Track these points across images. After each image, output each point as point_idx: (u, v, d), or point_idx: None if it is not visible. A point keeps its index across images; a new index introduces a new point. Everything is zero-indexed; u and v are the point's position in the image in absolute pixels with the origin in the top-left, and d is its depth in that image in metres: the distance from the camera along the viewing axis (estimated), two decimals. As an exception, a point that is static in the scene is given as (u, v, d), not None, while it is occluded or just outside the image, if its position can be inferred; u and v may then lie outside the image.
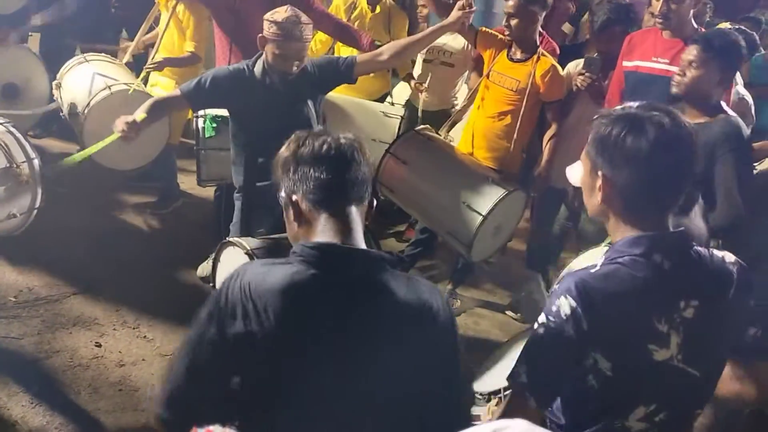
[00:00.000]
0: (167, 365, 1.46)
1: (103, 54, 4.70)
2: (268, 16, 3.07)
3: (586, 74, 3.75)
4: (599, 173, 1.50)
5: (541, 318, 1.49)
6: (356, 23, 4.72)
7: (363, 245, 1.49)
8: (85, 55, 4.61)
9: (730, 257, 1.57)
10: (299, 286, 1.39)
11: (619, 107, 1.53)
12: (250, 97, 3.16)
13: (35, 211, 3.61)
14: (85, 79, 4.28)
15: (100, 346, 3.37)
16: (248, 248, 2.87)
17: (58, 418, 2.91)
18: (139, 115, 3.12)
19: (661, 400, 1.51)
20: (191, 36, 4.43)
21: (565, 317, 1.43)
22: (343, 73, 3.27)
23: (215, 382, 1.44)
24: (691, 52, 2.82)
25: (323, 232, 1.48)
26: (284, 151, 1.54)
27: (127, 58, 4.75)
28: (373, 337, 1.41)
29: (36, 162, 3.60)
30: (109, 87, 4.11)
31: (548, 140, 3.86)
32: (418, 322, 1.44)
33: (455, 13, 3.41)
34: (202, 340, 1.43)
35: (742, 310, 1.55)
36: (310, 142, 1.52)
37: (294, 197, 1.51)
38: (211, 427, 1.01)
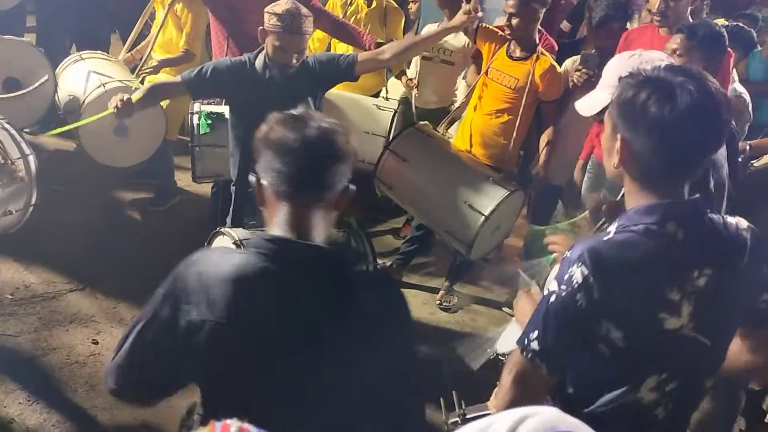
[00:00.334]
0: (120, 337, 1.52)
1: (99, 51, 4.69)
2: (268, 8, 3.06)
3: (583, 70, 3.75)
4: (618, 135, 1.46)
5: (552, 285, 1.47)
6: (352, 19, 4.72)
7: (319, 241, 1.46)
8: (80, 53, 4.60)
9: (743, 223, 1.55)
10: (249, 278, 1.40)
11: (648, 67, 1.48)
12: (250, 90, 3.16)
13: (31, 208, 3.60)
14: (81, 77, 4.27)
15: (97, 343, 3.37)
16: (236, 238, 2.90)
17: (54, 416, 2.91)
18: (136, 95, 3.14)
19: (672, 369, 1.50)
20: (187, 33, 4.42)
21: (576, 285, 1.41)
22: (344, 70, 3.26)
23: (160, 361, 1.46)
24: (675, 41, 2.86)
25: (281, 224, 1.46)
26: (259, 131, 1.50)
27: (121, 57, 4.73)
28: (320, 330, 1.41)
29: (31, 158, 3.59)
30: (104, 85, 4.10)
31: (545, 138, 3.86)
32: (370, 314, 1.44)
33: (460, 17, 3.37)
34: (154, 319, 1.45)
35: (756, 277, 1.53)
36: (280, 127, 1.46)
37: (261, 181, 1.49)
38: (228, 421, 1.02)
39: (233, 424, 1.01)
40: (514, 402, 1.49)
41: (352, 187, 1.50)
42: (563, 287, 1.44)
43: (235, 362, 1.43)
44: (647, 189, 1.47)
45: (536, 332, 1.48)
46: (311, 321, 1.40)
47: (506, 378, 1.55)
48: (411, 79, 4.50)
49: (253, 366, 1.42)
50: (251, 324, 1.40)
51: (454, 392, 2.15)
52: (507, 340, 2.93)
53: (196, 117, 3.81)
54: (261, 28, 3.10)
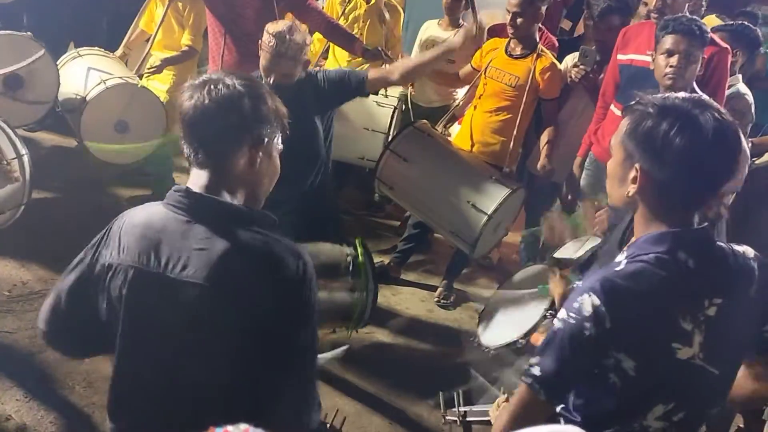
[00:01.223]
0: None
1: (96, 48, 4.68)
2: (268, 26, 3.03)
3: (581, 66, 3.75)
4: (636, 165, 1.45)
5: (562, 313, 1.47)
6: (351, 15, 4.72)
7: (223, 197, 1.50)
8: (78, 50, 4.59)
9: (750, 252, 1.55)
10: (151, 223, 1.51)
11: (658, 96, 1.48)
12: None
13: (22, 208, 3.59)
14: (80, 74, 4.25)
15: (94, 340, 3.36)
16: None
17: (52, 413, 2.90)
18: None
19: (681, 398, 1.50)
20: (190, 29, 4.42)
21: (587, 314, 1.41)
22: (355, 88, 3.23)
23: (79, 304, 1.58)
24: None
25: (192, 177, 1.54)
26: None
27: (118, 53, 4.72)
28: (208, 282, 1.44)
29: (26, 158, 3.57)
30: (104, 81, 4.08)
31: (546, 136, 3.85)
32: (257, 275, 1.46)
33: (465, 38, 3.26)
34: (80, 262, 1.59)
35: (763, 306, 1.54)
36: (188, 94, 1.51)
37: None
38: (229, 428, 1.02)
39: (235, 430, 1.01)
40: (508, 424, 1.49)
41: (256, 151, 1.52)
42: (572, 315, 1.43)
43: (126, 308, 1.50)
44: (660, 217, 1.47)
45: (538, 358, 1.48)
46: (191, 271, 1.45)
47: (507, 408, 1.56)
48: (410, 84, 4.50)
49: (140, 312, 1.50)
50: (141, 267, 1.49)
51: (458, 391, 2.15)
52: (492, 333, 2.97)
53: None
54: (259, 41, 3.06)
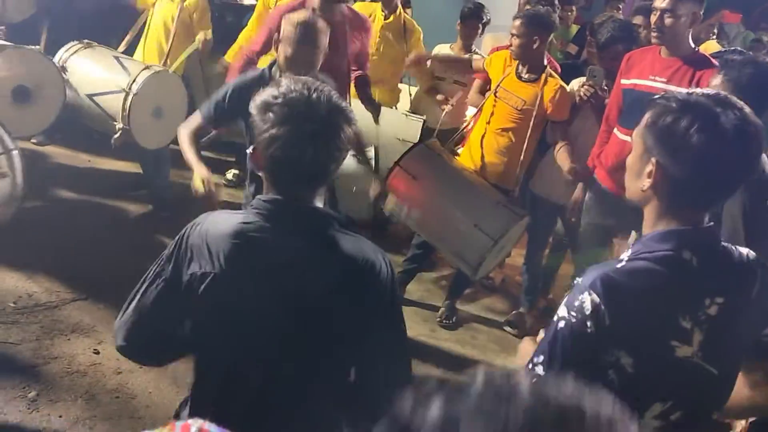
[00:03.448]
0: (129, 297, 1.63)
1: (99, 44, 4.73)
2: (286, 16, 3.01)
3: (589, 83, 3.78)
4: (653, 159, 1.45)
5: (562, 311, 1.46)
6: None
7: (316, 204, 1.58)
8: (84, 41, 4.57)
9: (752, 254, 1.54)
10: (247, 234, 1.52)
11: (683, 91, 1.47)
12: None
13: (16, 204, 3.58)
14: (111, 62, 4.33)
15: (98, 353, 3.37)
16: None
17: (54, 425, 2.91)
18: (192, 158, 2.89)
19: (678, 397, 1.49)
20: (207, 23, 4.74)
21: (587, 312, 1.40)
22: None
23: (163, 318, 1.58)
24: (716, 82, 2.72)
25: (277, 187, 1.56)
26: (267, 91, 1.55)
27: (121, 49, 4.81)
28: (313, 285, 1.51)
29: (15, 153, 3.57)
30: (148, 67, 4.19)
31: (558, 147, 3.88)
32: (359, 276, 1.55)
33: None
34: (158, 277, 1.58)
35: (764, 309, 1.53)
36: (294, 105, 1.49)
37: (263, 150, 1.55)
38: (189, 421, 1.04)
39: (194, 423, 1.02)
40: None
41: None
42: (573, 314, 1.43)
43: (229, 314, 1.53)
44: (670, 214, 1.46)
45: (542, 357, 1.47)
46: (296, 278, 1.51)
47: None
48: (447, 98, 4.55)
49: (243, 318, 1.52)
50: (246, 276, 1.51)
51: None
52: None
53: None
54: (276, 36, 3.02)
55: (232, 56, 4.53)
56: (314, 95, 1.50)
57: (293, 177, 1.54)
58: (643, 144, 1.48)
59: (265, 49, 3.75)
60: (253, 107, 1.54)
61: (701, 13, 3.31)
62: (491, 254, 3.58)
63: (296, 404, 1.57)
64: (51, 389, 3.10)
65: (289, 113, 1.49)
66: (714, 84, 2.60)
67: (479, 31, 4.69)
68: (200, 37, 4.68)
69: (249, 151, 1.57)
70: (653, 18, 3.32)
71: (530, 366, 1.49)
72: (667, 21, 3.24)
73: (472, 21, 4.66)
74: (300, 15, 3.02)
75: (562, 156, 3.83)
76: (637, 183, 1.50)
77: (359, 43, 4.01)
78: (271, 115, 1.49)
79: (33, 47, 4.31)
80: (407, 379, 1.67)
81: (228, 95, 3.00)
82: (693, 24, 3.30)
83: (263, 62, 3.83)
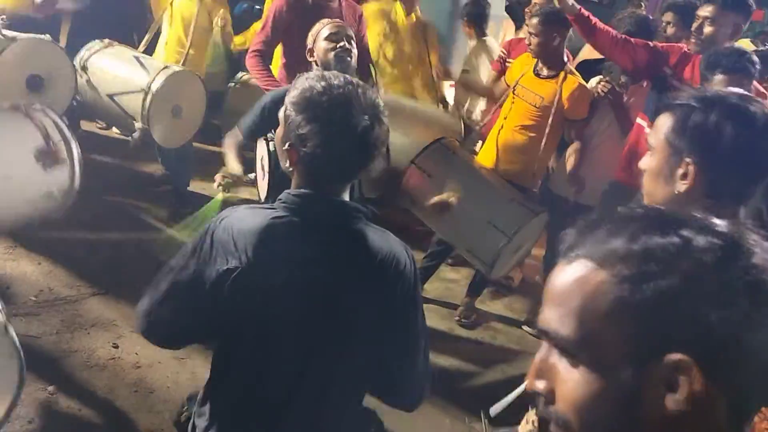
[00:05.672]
0: (151, 284, 1.62)
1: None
2: (314, 32, 3.01)
3: (606, 80, 3.74)
4: (686, 160, 1.43)
5: None
6: (389, 28, 4.82)
7: (344, 198, 1.59)
8: (106, 40, 4.59)
9: None
10: (276, 228, 1.52)
11: (696, 91, 1.48)
12: None
13: (73, 194, 3.61)
14: (132, 61, 4.34)
15: (117, 347, 3.39)
16: None
17: (73, 418, 2.93)
18: (234, 165, 2.92)
19: None
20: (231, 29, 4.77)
21: None
22: None
23: (186, 309, 1.57)
24: (706, 10, 2.85)
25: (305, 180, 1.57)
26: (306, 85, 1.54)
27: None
28: (342, 279, 1.53)
29: (73, 143, 3.60)
30: (168, 67, 4.21)
31: (571, 150, 3.85)
32: (385, 269, 1.56)
33: None
34: (184, 268, 1.56)
35: None
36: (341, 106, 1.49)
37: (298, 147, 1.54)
38: None
39: None
40: None
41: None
42: None
43: (256, 307, 1.52)
44: (708, 213, 1.45)
45: None
46: (324, 271, 1.51)
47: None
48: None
49: (271, 311, 1.52)
50: (274, 270, 1.50)
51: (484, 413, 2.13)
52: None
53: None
54: (308, 49, 3.01)
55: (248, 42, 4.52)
56: (357, 92, 1.51)
57: (331, 174, 1.55)
58: (669, 147, 1.46)
59: (274, 40, 3.87)
60: (290, 102, 1.54)
61: (744, 26, 3.23)
62: (506, 252, 3.54)
63: (320, 397, 1.58)
64: (70, 382, 3.13)
65: (333, 111, 1.48)
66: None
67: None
68: (217, 20, 4.67)
69: (285, 147, 1.56)
70: (694, 25, 3.25)
71: None
72: (707, 30, 3.18)
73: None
74: (335, 24, 3.02)
75: (570, 158, 3.80)
76: (668, 187, 1.48)
77: (355, 29, 4.03)
78: (312, 111, 1.49)
79: (43, 36, 4.35)
80: (426, 374, 1.67)
81: (267, 111, 2.95)
82: (734, 36, 3.22)
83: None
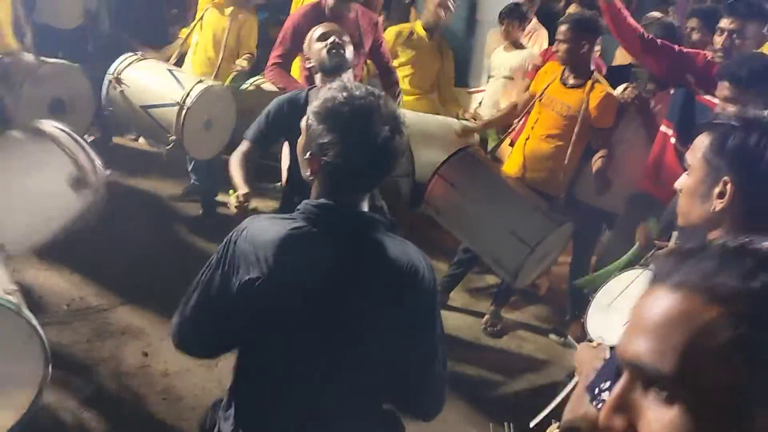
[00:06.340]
0: (182, 299, 1.67)
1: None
2: (306, 40, 3.05)
3: (633, 86, 3.72)
4: (724, 179, 1.45)
5: None
6: (408, 46, 4.87)
7: (363, 208, 1.61)
8: (138, 53, 4.64)
9: None
10: (295, 239, 1.54)
11: (735, 112, 1.51)
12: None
13: (98, 211, 3.68)
14: (166, 74, 4.42)
15: (147, 355, 3.44)
16: None
17: (104, 425, 2.98)
18: (240, 185, 2.88)
19: None
20: (254, 41, 4.80)
21: None
22: None
23: (216, 319, 1.60)
24: (723, 89, 2.66)
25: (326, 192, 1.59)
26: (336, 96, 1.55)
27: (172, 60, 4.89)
28: (361, 289, 1.55)
29: (99, 165, 3.67)
30: (201, 81, 4.30)
31: (597, 161, 3.82)
32: (404, 279, 1.57)
33: None
34: (210, 281, 1.58)
35: None
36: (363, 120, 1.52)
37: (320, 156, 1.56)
38: None
39: None
40: None
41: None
42: None
43: (277, 317, 1.55)
44: (745, 233, 1.45)
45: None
46: (343, 281, 1.53)
47: (569, 418, 1.54)
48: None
49: (292, 320, 1.55)
50: (294, 280, 1.53)
51: (508, 424, 2.13)
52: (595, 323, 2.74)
53: None
54: (305, 57, 3.04)
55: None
56: (378, 103, 1.53)
57: (350, 183, 1.57)
58: (707, 166, 1.48)
59: (292, 53, 3.91)
60: (312, 112, 1.56)
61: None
62: (530, 261, 3.53)
63: (339, 405, 1.59)
64: (101, 390, 3.17)
65: (355, 121, 1.51)
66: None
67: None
68: (243, 63, 4.73)
69: (306, 156, 1.58)
70: (718, 38, 3.21)
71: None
72: (737, 42, 3.15)
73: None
74: (332, 26, 3.08)
75: (596, 163, 3.80)
76: (704, 206, 1.49)
77: (372, 39, 4.08)
78: (334, 121, 1.52)
79: (64, 61, 4.49)
80: (443, 385, 1.68)
81: (271, 114, 3.03)
82: (759, 47, 3.19)
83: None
